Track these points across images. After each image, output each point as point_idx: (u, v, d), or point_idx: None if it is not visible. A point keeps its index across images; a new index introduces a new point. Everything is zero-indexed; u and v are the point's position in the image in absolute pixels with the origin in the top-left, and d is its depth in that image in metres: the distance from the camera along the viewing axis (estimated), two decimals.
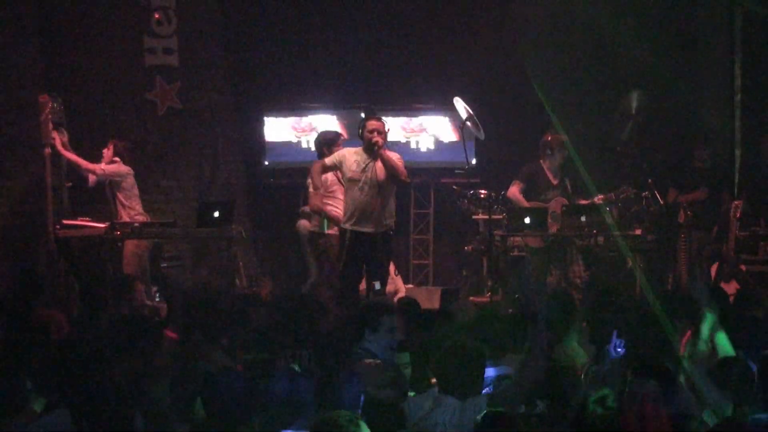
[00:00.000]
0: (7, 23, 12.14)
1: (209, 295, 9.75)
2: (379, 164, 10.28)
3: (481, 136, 12.05)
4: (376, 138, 10.20)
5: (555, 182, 11.81)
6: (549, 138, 11.81)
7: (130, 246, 11.65)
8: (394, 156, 10.44)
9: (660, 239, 12.30)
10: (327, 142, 11.44)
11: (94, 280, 11.45)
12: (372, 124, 10.32)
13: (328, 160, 10.58)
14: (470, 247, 12.43)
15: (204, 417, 5.60)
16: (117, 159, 11.92)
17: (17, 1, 12.33)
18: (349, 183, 10.39)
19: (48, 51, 12.64)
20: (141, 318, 8.40)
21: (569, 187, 11.75)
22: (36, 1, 12.61)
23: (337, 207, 10.91)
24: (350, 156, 10.40)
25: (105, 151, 11.96)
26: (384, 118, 10.63)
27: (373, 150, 10.23)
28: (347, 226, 10.37)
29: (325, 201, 10.95)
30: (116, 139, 12.12)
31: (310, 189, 10.88)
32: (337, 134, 11.80)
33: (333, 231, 11.02)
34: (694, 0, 13.63)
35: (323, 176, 10.79)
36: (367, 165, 10.25)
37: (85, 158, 11.92)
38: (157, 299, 11.79)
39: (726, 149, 13.28)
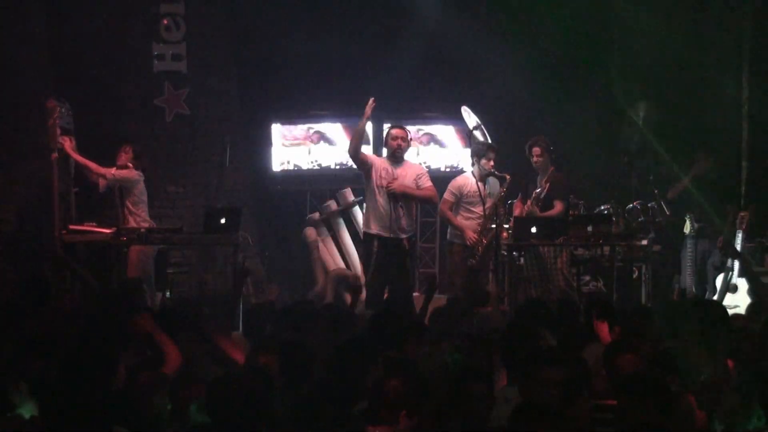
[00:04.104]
0: (15, 28, 12.16)
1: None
2: (404, 172, 10.64)
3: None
4: (400, 144, 10.76)
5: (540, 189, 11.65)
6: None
7: (134, 251, 11.62)
8: (418, 170, 11.01)
9: (666, 249, 12.31)
10: (477, 154, 11.41)
11: (100, 284, 11.48)
12: (395, 132, 10.88)
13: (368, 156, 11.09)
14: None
15: (201, 422, 5.50)
16: (129, 164, 11.91)
17: (25, 6, 12.35)
18: (375, 190, 10.78)
19: (56, 56, 12.65)
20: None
21: (541, 194, 11.48)
22: (44, 6, 12.63)
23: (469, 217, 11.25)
24: (380, 164, 10.91)
25: (122, 154, 11.94)
26: (408, 127, 11.19)
27: (396, 157, 10.77)
28: (374, 232, 10.79)
29: (461, 213, 11.27)
30: (131, 143, 12.12)
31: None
32: (485, 147, 11.52)
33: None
34: (704, 11, 13.62)
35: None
36: (393, 173, 10.74)
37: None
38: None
39: (733, 160, 13.28)
